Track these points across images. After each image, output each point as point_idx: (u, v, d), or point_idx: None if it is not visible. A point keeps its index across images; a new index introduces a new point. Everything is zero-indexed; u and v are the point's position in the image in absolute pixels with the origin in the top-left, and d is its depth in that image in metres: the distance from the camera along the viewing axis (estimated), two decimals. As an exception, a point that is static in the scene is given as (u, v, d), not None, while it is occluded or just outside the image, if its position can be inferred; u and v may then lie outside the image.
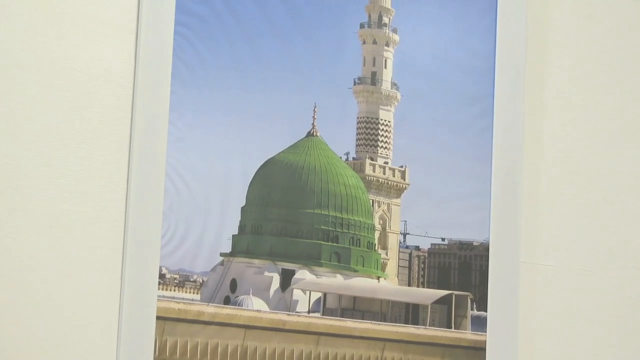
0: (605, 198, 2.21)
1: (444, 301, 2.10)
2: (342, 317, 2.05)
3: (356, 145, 2.11)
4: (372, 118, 2.12)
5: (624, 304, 2.20)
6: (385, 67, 2.14)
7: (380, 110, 2.12)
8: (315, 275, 2.06)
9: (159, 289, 1.91)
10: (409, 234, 2.11)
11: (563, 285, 2.16)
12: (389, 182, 2.13)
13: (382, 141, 2.13)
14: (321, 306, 2.05)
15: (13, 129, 1.87)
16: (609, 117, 2.23)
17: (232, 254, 2.01)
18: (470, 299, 2.10)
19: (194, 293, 1.98)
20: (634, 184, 2.24)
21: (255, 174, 2.01)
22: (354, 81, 2.10)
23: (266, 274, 2.03)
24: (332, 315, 2.05)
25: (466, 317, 2.10)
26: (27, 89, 1.88)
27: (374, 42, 2.13)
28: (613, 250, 2.20)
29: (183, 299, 1.96)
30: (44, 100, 1.89)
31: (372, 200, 2.12)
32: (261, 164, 2.02)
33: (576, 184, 2.20)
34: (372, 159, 2.12)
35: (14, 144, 1.87)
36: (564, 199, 2.18)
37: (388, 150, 2.13)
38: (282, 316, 2.01)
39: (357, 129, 2.11)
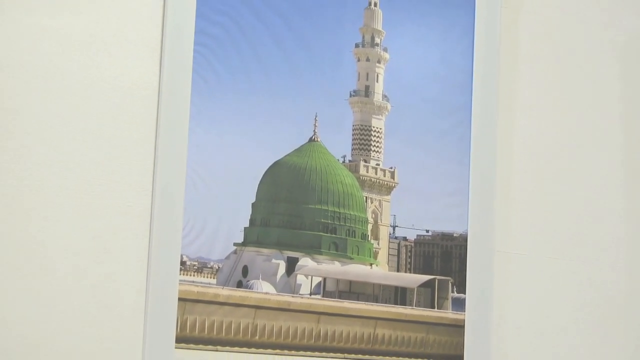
0: (568, 195, 2.23)
1: (428, 285, 2.13)
2: (340, 298, 2.07)
3: (352, 149, 2.12)
4: (365, 126, 2.13)
5: (584, 287, 2.22)
6: (377, 82, 2.14)
7: (372, 119, 2.13)
8: (316, 262, 2.07)
9: (180, 274, 1.95)
10: (397, 226, 2.13)
11: (532, 270, 2.19)
12: (380, 182, 2.13)
13: (374, 146, 2.13)
14: (321, 289, 2.07)
15: (53, 135, 1.91)
16: (572, 124, 2.26)
17: (244, 243, 2.02)
18: (451, 283, 2.14)
19: (210, 278, 1.99)
20: (594, 182, 2.25)
21: (264, 174, 2.03)
22: (350, 93, 2.11)
23: (273, 261, 2.04)
24: (331, 297, 2.07)
25: (447, 299, 2.13)
26: (66, 100, 1.92)
27: (367, 60, 2.14)
28: (575, 241, 2.22)
29: (201, 282, 1.98)
30: (81, 109, 1.93)
31: (366, 197, 2.12)
32: (269, 165, 2.04)
33: (543, 184, 2.21)
34: (365, 161, 2.12)
35: (55, 148, 1.91)
36: (533, 196, 2.21)
37: (379, 153, 2.13)
38: (287, 298, 2.03)
39: (353, 135, 2.12)
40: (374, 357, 2.07)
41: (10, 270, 1.87)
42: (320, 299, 2.06)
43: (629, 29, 2.32)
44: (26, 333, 1.87)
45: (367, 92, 2.13)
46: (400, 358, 2.09)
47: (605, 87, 2.28)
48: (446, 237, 2.15)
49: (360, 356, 2.06)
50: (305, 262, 2.06)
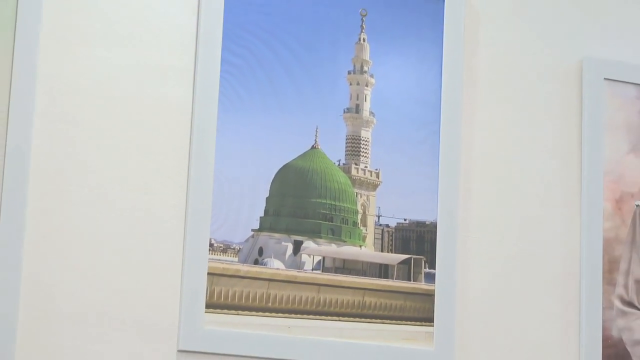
0: (516, 192, 2.22)
1: (405, 262, 2.13)
2: (336, 273, 2.07)
3: (345, 155, 2.12)
4: (356, 136, 2.12)
5: (526, 261, 2.20)
6: (365, 101, 2.13)
7: (362, 131, 2.12)
8: (317, 244, 2.07)
9: (209, 253, 1.97)
10: (381, 216, 2.13)
11: (487, 250, 2.18)
12: (368, 180, 2.13)
13: (363, 152, 2.12)
14: (321, 265, 2.07)
15: (107, 145, 1.94)
16: (520, 135, 2.23)
17: (260, 229, 2.03)
18: (424, 260, 2.13)
19: (233, 256, 2.00)
20: (537, 182, 2.23)
21: (276, 174, 2.05)
22: (344, 110, 2.12)
23: (283, 243, 2.05)
24: (328, 272, 2.07)
25: (421, 273, 2.12)
26: (117, 116, 1.95)
27: (358, 84, 2.12)
28: (520, 227, 2.21)
29: (226, 260, 1.99)
30: (129, 123, 1.96)
31: (356, 193, 2.12)
32: (279, 167, 2.06)
33: (497, 183, 2.21)
34: (356, 164, 2.12)
35: (108, 155, 1.94)
36: (488, 192, 2.19)
37: (367, 158, 2.12)
38: (294, 273, 2.04)
39: (346, 143, 2.12)
40: (362, 319, 2.07)
41: (72, 253, 1.90)
42: (320, 274, 2.06)
43: (566, 59, 2.28)
44: (83, 296, 1.89)
45: (358, 109, 2.13)
46: (384, 320, 2.08)
47: (547, 104, 2.26)
48: (420, 224, 2.14)
49: (351, 319, 2.06)
50: (308, 244, 2.07)
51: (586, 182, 2.24)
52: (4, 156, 1.85)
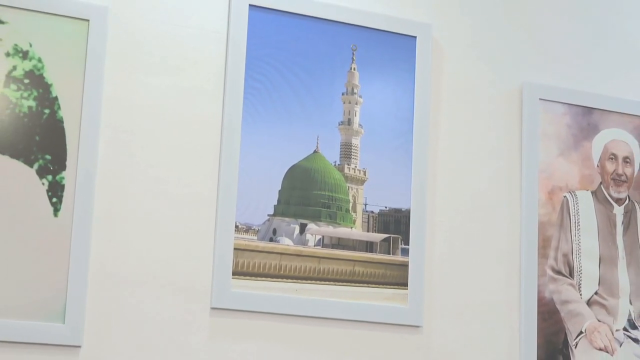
0: (473, 185, 2.27)
1: (386, 240, 2.19)
2: (332, 248, 2.14)
3: (340, 157, 2.18)
4: (348, 143, 2.19)
5: (481, 241, 2.27)
6: (355, 116, 2.19)
7: (352, 139, 2.19)
8: (318, 226, 2.14)
9: (235, 233, 2.03)
10: (367, 204, 2.19)
11: (449, 231, 2.26)
12: (357, 177, 2.18)
13: (353, 155, 2.18)
14: (321, 242, 2.14)
15: (157, 150, 2.00)
16: (475, 141, 2.31)
17: (274, 215, 2.11)
18: (400, 239, 2.19)
19: (253, 235, 2.07)
20: (489, 177, 2.30)
21: (286, 172, 2.13)
22: (339, 123, 2.19)
23: (292, 225, 2.11)
24: (327, 248, 2.14)
25: (398, 248, 2.19)
26: (167, 128, 2.02)
27: (349, 102, 2.19)
28: (476, 213, 2.27)
29: (247, 238, 2.06)
30: (175, 135, 2.02)
31: (348, 186, 2.17)
32: (289, 167, 2.12)
33: (457, 178, 2.28)
34: (348, 165, 2.18)
35: (157, 159, 2.00)
36: (450, 186, 2.27)
37: (357, 160, 2.18)
38: (300, 248, 2.11)
39: (340, 149, 2.18)
40: (353, 284, 2.13)
41: (130, 232, 1.96)
42: (321, 249, 2.13)
43: (509, 83, 2.34)
44: (138, 264, 1.94)
45: (349, 122, 2.19)
46: (369, 285, 2.14)
47: (495, 118, 2.33)
48: (397, 211, 2.20)
49: (344, 284, 2.12)
50: (311, 226, 2.14)
51: (525, 178, 2.32)
52: (77, 160, 1.94)
